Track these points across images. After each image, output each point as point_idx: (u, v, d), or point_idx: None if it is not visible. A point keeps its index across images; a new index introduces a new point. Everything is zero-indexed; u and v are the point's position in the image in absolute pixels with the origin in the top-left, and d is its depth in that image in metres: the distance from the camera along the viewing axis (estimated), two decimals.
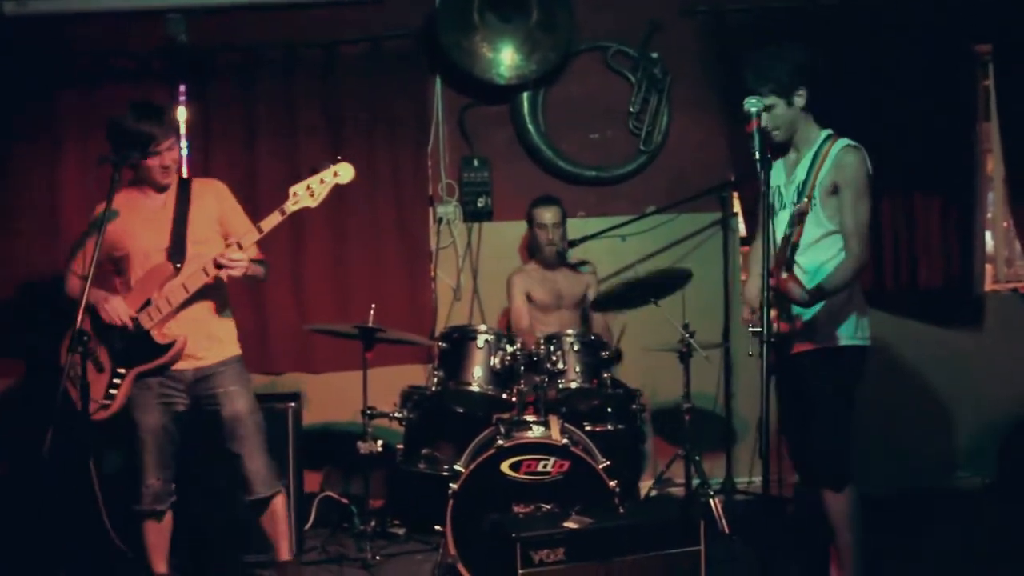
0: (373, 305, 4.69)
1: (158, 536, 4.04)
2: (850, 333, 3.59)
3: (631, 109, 5.66)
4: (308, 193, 3.86)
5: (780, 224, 3.64)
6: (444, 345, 4.69)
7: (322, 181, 3.87)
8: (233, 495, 4.09)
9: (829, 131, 3.65)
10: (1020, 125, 5.50)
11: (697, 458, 5.00)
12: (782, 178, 3.72)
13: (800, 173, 3.62)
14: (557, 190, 5.58)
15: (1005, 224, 5.91)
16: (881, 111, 5.41)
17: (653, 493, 5.23)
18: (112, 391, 3.84)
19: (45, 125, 5.41)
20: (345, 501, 5.10)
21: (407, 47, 5.52)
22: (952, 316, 5.68)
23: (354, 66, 5.50)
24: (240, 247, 3.82)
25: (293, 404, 4.76)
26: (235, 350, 4.07)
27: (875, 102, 5.40)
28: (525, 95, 5.59)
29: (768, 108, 3.50)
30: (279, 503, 4.07)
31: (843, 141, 3.57)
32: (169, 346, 3.84)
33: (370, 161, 5.50)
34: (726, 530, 4.68)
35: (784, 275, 3.35)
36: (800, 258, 3.49)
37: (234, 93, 5.47)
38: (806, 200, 3.51)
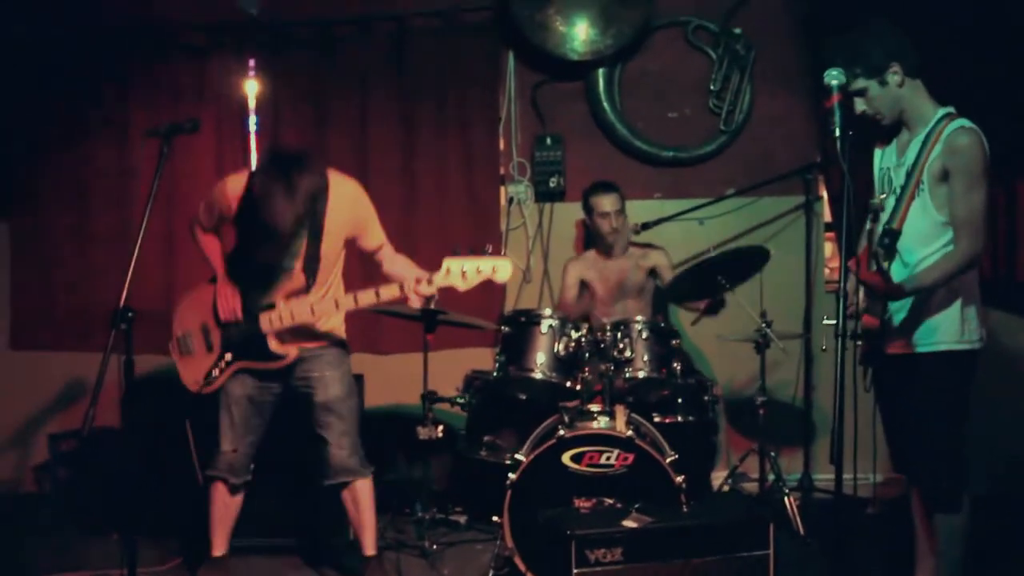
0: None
1: (224, 510, 3.97)
2: (953, 336, 3.27)
3: (711, 87, 5.44)
4: (462, 276, 3.65)
5: (886, 209, 3.37)
6: (507, 329, 4.54)
7: (479, 271, 3.65)
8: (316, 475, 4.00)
9: (948, 109, 3.32)
10: None
11: (773, 453, 4.78)
12: (892, 160, 3.42)
13: (911, 155, 3.31)
14: (632, 170, 5.43)
15: None
16: (981, 86, 5.06)
17: (725, 487, 5.02)
18: (215, 372, 3.82)
19: (118, 98, 5.44)
20: (407, 486, 4.99)
21: (480, 21, 5.40)
22: None
23: (426, 40, 5.40)
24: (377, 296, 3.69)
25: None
26: (339, 335, 3.98)
27: (975, 76, 5.06)
28: (600, 71, 5.41)
29: (862, 92, 3.27)
30: (360, 488, 3.95)
31: (958, 122, 3.26)
32: (279, 357, 3.79)
33: (441, 138, 5.42)
34: (801, 531, 4.44)
35: (873, 268, 3.11)
36: (903, 250, 3.24)
37: (305, 67, 5.42)
38: (881, 197, 3.29)
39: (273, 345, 3.79)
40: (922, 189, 3.25)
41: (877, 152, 3.53)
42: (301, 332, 3.83)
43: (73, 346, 5.51)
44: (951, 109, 3.33)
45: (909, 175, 3.28)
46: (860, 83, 3.27)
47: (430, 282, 3.65)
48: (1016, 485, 5.11)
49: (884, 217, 3.33)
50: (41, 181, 5.54)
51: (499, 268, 3.67)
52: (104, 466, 4.69)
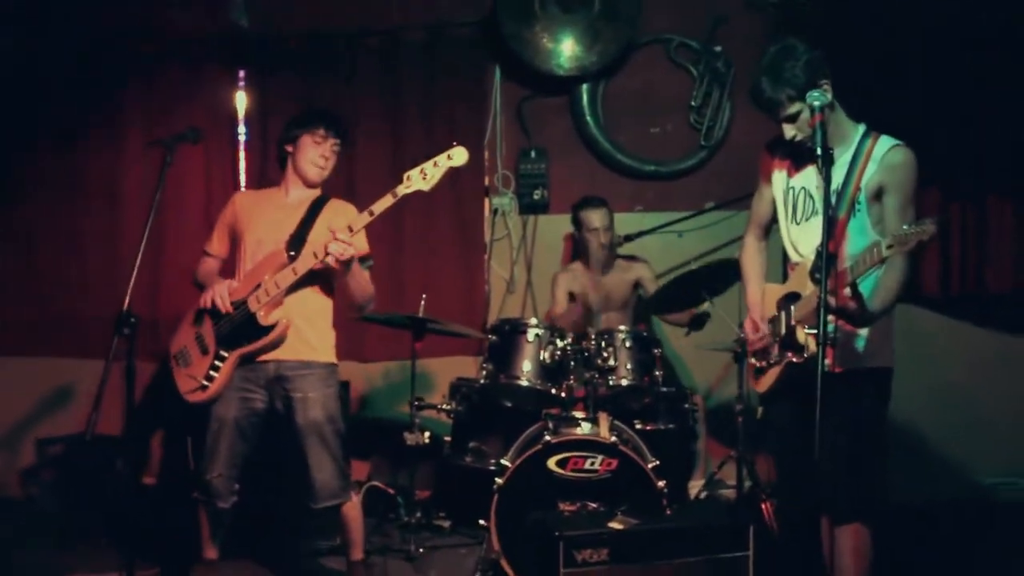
0: (424, 296, 4.66)
1: (212, 525, 4.00)
2: (890, 353, 3.30)
3: (692, 103, 5.57)
4: (421, 176, 3.75)
5: (809, 231, 3.32)
6: (494, 338, 4.63)
7: (436, 164, 3.75)
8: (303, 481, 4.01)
9: (865, 125, 3.27)
10: None
11: (750, 460, 4.89)
12: (812, 181, 3.32)
13: (838, 175, 3.15)
14: (614, 184, 5.53)
15: None
16: (952, 108, 5.23)
17: (703, 495, 5.13)
18: (212, 372, 3.81)
19: (111, 108, 5.50)
20: (391, 491, 5.06)
21: (468, 36, 5.51)
22: (1020, 322, 5.49)
23: (415, 54, 5.50)
24: (351, 230, 3.75)
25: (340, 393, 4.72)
26: (326, 357, 3.96)
27: (946, 98, 5.23)
28: (584, 87, 5.53)
29: (794, 117, 3.18)
30: (348, 510, 3.99)
31: (889, 139, 3.20)
32: (271, 327, 3.79)
33: (427, 150, 5.43)
34: (777, 535, 4.56)
35: (847, 291, 3.00)
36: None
37: (294, 79, 5.49)
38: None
39: (263, 318, 3.78)
40: (859, 209, 3.20)
41: (781, 172, 3.48)
42: (287, 343, 3.85)
43: (57, 352, 5.54)
44: (866, 125, 3.27)
45: (840, 196, 3.17)
46: (795, 107, 3.17)
47: (395, 195, 3.72)
48: (977, 492, 5.36)
49: (810, 238, 3.29)
50: (28, 187, 5.56)
51: (454, 155, 3.75)
52: (95, 472, 4.73)
